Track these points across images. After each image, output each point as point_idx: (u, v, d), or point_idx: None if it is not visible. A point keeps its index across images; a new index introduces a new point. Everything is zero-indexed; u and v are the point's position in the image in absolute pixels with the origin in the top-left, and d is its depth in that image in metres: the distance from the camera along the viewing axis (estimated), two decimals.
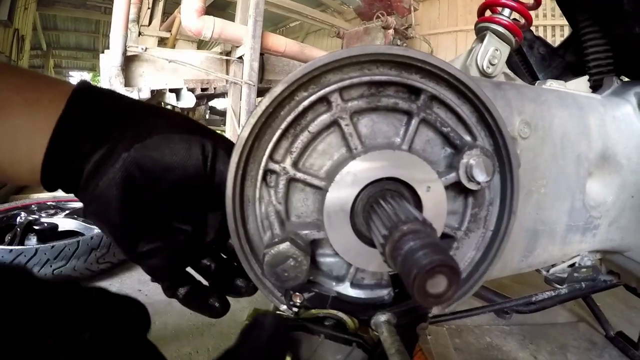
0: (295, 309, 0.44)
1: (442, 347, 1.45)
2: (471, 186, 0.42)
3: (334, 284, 0.46)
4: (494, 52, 0.73)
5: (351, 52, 0.39)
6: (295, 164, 0.41)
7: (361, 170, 0.39)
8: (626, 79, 1.05)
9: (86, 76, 23.06)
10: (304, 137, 0.41)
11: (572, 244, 0.80)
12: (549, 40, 6.57)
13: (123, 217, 0.40)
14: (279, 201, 0.42)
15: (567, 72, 1.29)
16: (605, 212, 0.84)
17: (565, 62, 1.29)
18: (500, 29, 0.74)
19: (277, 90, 0.38)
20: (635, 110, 0.88)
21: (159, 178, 0.40)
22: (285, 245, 0.37)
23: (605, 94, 0.93)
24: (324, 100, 0.40)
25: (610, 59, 1.10)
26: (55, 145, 0.39)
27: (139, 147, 0.40)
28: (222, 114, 7.97)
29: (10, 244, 2.14)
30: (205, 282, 0.49)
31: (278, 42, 4.42)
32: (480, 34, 0.77)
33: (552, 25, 6.50)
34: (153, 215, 0.41)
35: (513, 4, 0.76)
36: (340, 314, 0.45)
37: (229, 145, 0.44)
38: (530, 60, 1.24)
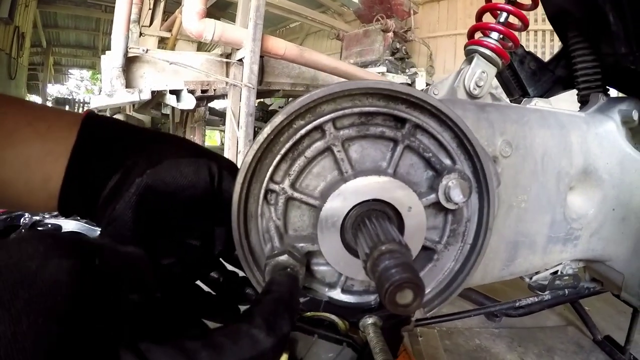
0: None
1: (432, 348, 1.50)
2: (449, 206, 0.47)
3: (326, 289, 0.52)
4: (480, 75, 0.78)
5: (344, 86, 0.44)
6: (293, 185, 0.46)
7: (351, 192, 0.44)
8: (612, 95, 1.11)
9: (86, 74, 23.10)
10: (300, 161, 0.46)
11: (553, 253, 0.86)
12: (547, 44, 6.60)
13: (139, 237, 0.44)
14: (278, 217, 0.47)
15: (557, 86, 1.34)
16: (587, 224, 0.89)
17: (555, 76, 1.34)
18: (488, 52, 0.79)
19: (277, 120, 0.43)
20: (619, 128, 0.93)
21: (170, 199, 0.45)
22: (284, 257, 0.43)
23: (589, 111, 0.98)
24: (319, 128, 0.45)
25: (599, 74, 1.15)
26: (72, 172, 0.43)
27: (151, 173, 0.44)
28: (221, 114, 8.01)
29: None
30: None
31: (278, 45, 4.42)
32: (468, 55, 0.83)
33: (550, 30, 6.54)
34: (166, 233, 0.46)
35: (501, 28, 0.81)
36: (332, 317, 0.50)
37: (231, 166, 0.49)
38: (521, 75, 1.29)
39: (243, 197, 0.45)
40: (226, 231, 0.50)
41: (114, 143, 0.46)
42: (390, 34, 6.82)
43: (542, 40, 6.90)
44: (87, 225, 2.32)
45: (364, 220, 0.42)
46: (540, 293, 0.96)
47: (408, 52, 7.20)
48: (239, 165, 0.48)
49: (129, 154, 0.45)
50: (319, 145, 0.46)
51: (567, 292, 1.02)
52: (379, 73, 6.08)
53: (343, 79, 5.12)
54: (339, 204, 0.44)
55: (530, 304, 1.20)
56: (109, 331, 0.24)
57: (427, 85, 6.86)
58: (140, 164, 0.44)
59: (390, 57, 6.73)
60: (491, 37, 0.81)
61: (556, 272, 0.96)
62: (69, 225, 2.35)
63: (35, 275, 0.21)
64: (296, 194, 0.46)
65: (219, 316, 0.52)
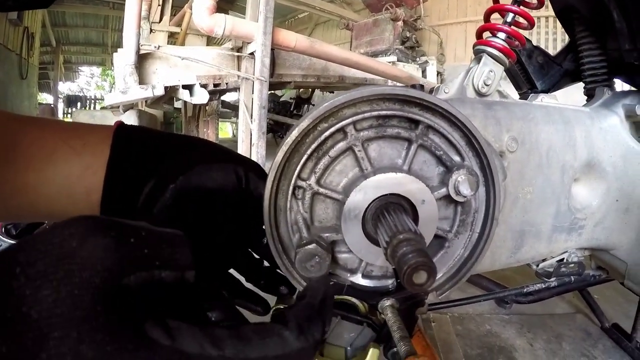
0: None
1: (445, 333, 1.56)
2: (458, 198, 0.52)
3: (348, 275, 0.57)
4: (488, 74, 0.82)
5: (363, 93, 0.49)
6: (318, 181, 0.52)
7: (371, 187, 0.49)
8: (617, 90, 1.14)
9: (96, 70, 23.31)
10: (325, 160, 0.51)
11: (558, 242, 0.90)
12: (558, 30, 6.49)
13: None
14: (305, 210, 0.52)
15: (565, 79, 1.36)
16: (591, 214, 0.94)
17: (563, 69, 1.36)
18: (495, 52, 0.83)
19: (304, 124, 0.48)
20: (622, 122, 0.96)
21: (202, 202, 0.49)
22: (312, 246, 0.48)
23: (594, 106, 1.02)
24: (341, 130, 0.50)
25: (605, 69, 1.18)
26: (110, 183, 0.47)
27: (183, 179, 0.48)
28: (233, 107, 8.06)
29: None
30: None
31: (288, 37, 4.42)
32: (477, 55, 0.87)
33: None
34: (201, 231, 0.50)
35: (507, 28, 0.85)
36: (354, 300, 0.56)
37: (257, 168, 0.54)
38: (529, 69, 1.31)
39: (273, 193, 0.50)
40: (254, 225, 0.55)
41: (146, 151, 0.50)
42: (400, 23, 6.75)
43: (553, 26, 6.83)
44: None
45: (383, 212, 0.47)
46: (547, 280, 1.01)
47: (418, 41, 7.14)
48: (258, 162, 0.54)
49: (161, 161, 0.49)
50: (341, 145, 0.51)
51: (572, 279, 1.06)
52: (389, 62, 6.05)
53: (354, 69, 5.14)
54: (360, 198, 0.49)
55: (539, 290, 1.25)
56: (138, 304, 0.26)
57: (438, 74, 6.83)
58: (172, 171, 0.49)
59: (401, 46, 6.68)
60: (498, 37, 0.85)
61: (562, 259, 1.00)
62: None
63: (75, 252, 0.25)
64: (321, 190, 0.51)
65: (245, 298, 0.56)
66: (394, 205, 0.49)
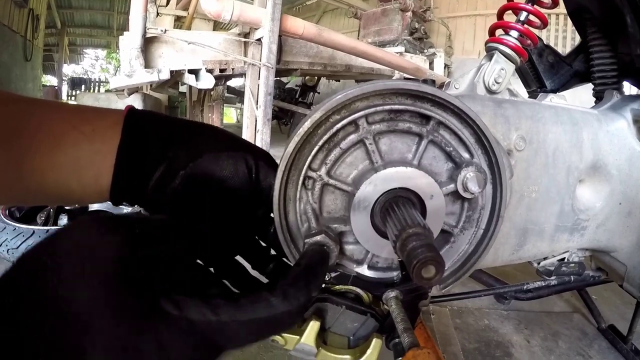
0: (323, 285, 0.56)
1: (444, 326, 1.58)
2: (466, 195, 0.53)
3: (354, 266, 0.58)
4: (499, 72, 0.82)
5: (376, 87, 0.49)
6: (328, 172, 0.52)
7: (381, 180, 0.50)
8: (626, 93, 1.13)
9: (100, 53, 23.23)
10: (336, 152, 0.52)
11: (560, 241, 0.91)
12: (568, 28, 6.42)
13: (184, 222, 0.50)
14: (314, 201, 0.53)
15: (574, 79, 1.36)
16: (594, 215, 0.94)
17: (573, 70, 1.36)
18: (507, 50, 0.83)
19: (316, 115, 0.49)
20: (630, 126, 0.96)
21: (212, 190, 0.49)
22: (320, 237, 0.49)
23: (603, 108, 1.02)
24: (353, 123, 0.51)
25: (615, 71, 1.18)
26: (120, 168, 0.47)
27: (193, 166, 0.48)
28: (238, 92, 8.03)
29: (44, 224, 2.27)
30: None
31: (296, 24, 4.38)
32: (489, 52, 0.87)
33: None
34: (209, 217, 0.51)
35: (520, 27, 0.85)
36: (359, 290, 0.57)
37: (266, 156, 0.54)
38: (539, 68, 1.31)
39: (284, 182, 0.51)
40: (262, 214, 0.56)
41: (156, 137, 0.50)
42: (409, 14, 6.70)
43: (564, 24, 6.76)
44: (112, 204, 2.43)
45: (392, 205, 0.48)
46: (547, 278, 1.02)
47: (427, 32, 7.09)
48: (262, 148, 0.54)
49: (170, 147, 0.49)
50: (352, 137, 0.51)
51: (572, 278, 1.08)
52: (397, 53, 6.01)
53: (361, 59, 5.11)
54: (370, 190, 0.50)
55: (538, 287, 1.26)
56: (151, 284, 0.31)
57: (445, 67, 6.78)
58: (182, 157, 0.49)
59: (409, 37, 6.64)
60: (511, 36, 0.85)
61: (563, 259, 1.01)
62: (96, 204, 2.45)
63: (94, 250, 0.29)
64: (331, 181, 0.52)
65: (250, 285, 0.58)
66: (403, 199, 0.49)
